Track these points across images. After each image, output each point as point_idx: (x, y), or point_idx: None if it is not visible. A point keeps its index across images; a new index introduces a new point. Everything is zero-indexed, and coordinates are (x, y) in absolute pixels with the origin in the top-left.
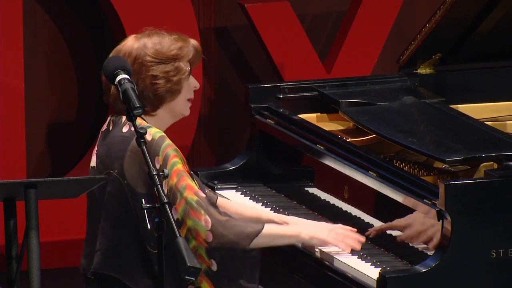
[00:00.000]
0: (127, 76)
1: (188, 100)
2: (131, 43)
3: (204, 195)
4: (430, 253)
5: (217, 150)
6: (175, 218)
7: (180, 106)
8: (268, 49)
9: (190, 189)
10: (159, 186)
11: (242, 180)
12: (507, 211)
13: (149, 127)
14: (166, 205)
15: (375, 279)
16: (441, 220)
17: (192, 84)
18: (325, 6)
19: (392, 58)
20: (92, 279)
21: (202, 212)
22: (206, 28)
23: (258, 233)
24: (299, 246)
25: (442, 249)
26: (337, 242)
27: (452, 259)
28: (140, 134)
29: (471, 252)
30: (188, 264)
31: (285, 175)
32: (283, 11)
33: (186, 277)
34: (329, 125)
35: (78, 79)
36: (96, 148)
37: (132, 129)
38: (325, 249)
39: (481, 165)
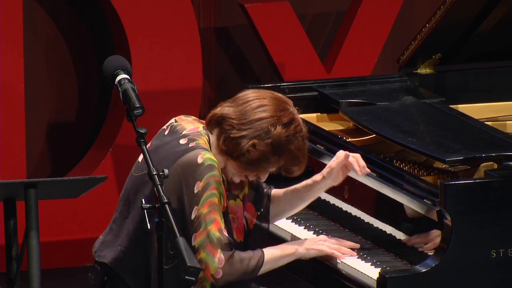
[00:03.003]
0: (127, 76)
1: (244, 177)
2: (280, 108)
3: (227, 236)
4: (430, 253)
5: None
6: (192, 245)
7: (235, 173)
8: (268, 49)
9: (216, 224)
10: (159, 186)
11: None
12: (507, 211)
13: (206, 150)
14: (166, 205)
15: (375, 279)
16: (441, 220)
17: (260, 174)
18: (325, 6)
19: (392, 58)
20: (98, 269)
21: (219, 250)
22: (206, 28)
23: (262, 263)
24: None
25: (442, 249)
26: (333, 250)
27: (452, 259)
28: (139, 134)
29: (471, 252)
30: (188, 264)
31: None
32: (283, 11)
33: (186, 277)
34: (329, 125)
35: (78, 79)
36: (149, 144)
37: (190, 144)
38: None
39: (481, 165)
